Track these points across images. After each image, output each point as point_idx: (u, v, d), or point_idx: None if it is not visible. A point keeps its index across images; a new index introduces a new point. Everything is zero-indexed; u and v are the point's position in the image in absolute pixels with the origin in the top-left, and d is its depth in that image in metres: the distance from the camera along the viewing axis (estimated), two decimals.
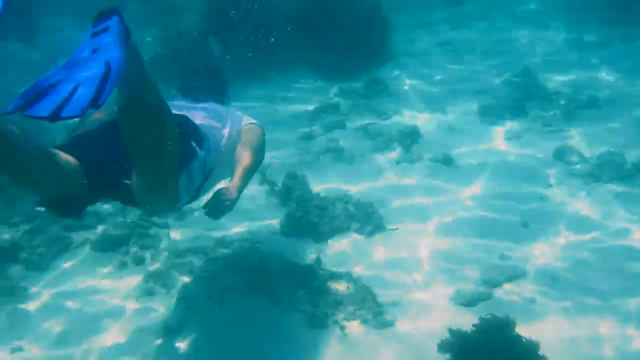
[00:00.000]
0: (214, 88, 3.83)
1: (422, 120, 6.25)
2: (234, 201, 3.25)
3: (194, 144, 2.90)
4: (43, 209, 2.61)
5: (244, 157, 3.40)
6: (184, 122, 2.99)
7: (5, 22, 9.07)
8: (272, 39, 6.45)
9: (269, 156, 5.55)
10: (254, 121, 3.65)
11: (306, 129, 6.22)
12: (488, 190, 5.01)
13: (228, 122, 3.46)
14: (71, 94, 1.87)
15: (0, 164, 2.26)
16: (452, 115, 6.31)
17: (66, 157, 2.61)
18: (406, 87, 6.96)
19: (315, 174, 5.38)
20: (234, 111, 3.70)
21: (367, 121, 6.29)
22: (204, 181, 3.04)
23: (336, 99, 6.76)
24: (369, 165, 5.55)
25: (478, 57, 7.62)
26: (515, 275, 3.97)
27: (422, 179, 5.27)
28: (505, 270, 4.01)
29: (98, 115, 2.95)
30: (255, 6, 6.72)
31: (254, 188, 5.16)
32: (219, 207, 3.23)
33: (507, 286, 3.87)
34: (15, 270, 4.45)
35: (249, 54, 6.54)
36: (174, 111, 2.77)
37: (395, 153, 5.68)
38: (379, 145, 5.82)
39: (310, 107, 6.61)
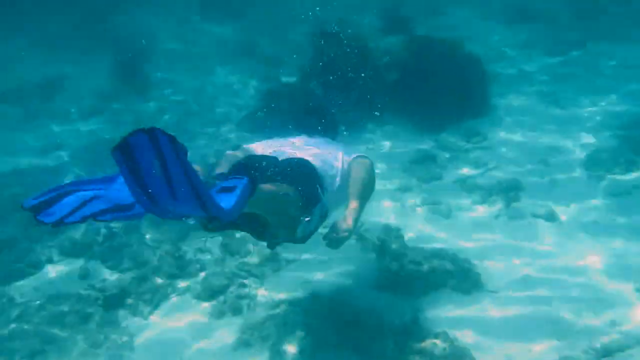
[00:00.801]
0: (325, 125, 4.11)
1: (523, 173, 6.06)
2: (351, 232, 3.36)
3: (318, 190, 3.27)
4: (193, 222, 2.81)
5: (356, 190, 3.53)
6: (306, 167, 3.37)
7: (121, 75, 9.81)
8: (369, 96, 6.59)
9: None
10: (362, 154, 3.81)
11: (403, 181, 6.20)
12: (598, 254, 4.73)
13: (340, 157, 3.68)
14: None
15: None
16: (554, 168, 6.08)
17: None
18: (506, 139, 6.79)
19: (412, 227, 5.35)
20: (344, 146, 3.91)
21: (465, 173, 6.20)
22: (320, 223, 3.35)
23: (434, 151, 6.71)
24: (467, 220, 5.44)
25: (582, 108, 7.33)
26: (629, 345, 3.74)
27: (523, 236, 5.09)
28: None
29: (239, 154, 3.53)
30: (354, 63, 6.88)
31: (349, 241, 5.18)
32: (337, 239, 3.34)
33: None
34: (122, 314, 4.69)
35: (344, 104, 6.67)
36: (294, 150, 3.50)
37: (494, 207, 5.55)
38: (477, 199, 5.71)
39: (407, 159, 6.60)
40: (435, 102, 7.08)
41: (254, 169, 3.12)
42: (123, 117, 8.94)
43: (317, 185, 3.30)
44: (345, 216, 3.39)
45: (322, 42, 7.53)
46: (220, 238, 5.49)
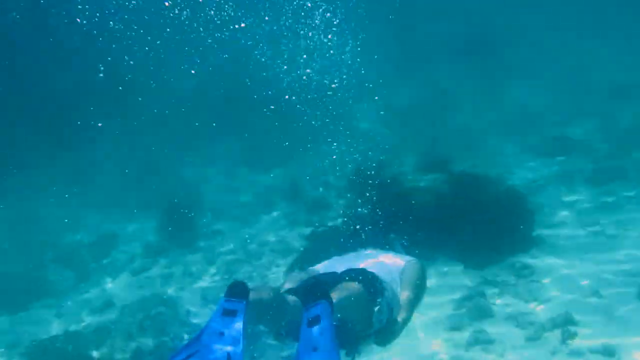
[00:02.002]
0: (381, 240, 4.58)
1: (575, 306, 5.88)
2: (399, 330, 3.71)
3: (379, 284, 3.69)
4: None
5: (408, 292, 3.88)
6: (365, 272, 3.77)
7: (170, 229, 10.16)
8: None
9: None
10: (412, 258, 4.15)
11: (453, 319, 6.08)
12: None
13: (394, 262, 4.09)
14: None
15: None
16: (608, 300, 5.89)
17: (293, 298, 3.52)
18: (554, 272, 6.65)
19: None
20: (399, 254, 4.29)
21: (515, 309, 6.05)
22: (389, 314, 3.69)
23: (482, 287, 6.61)
24: (522, 359, 5.25)
25: (628, 238, 7.17)
26: None
27: None
28: None
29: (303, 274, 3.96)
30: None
31: None
32: (387, 337, 3.72)
33: None
34: None
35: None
36: (352, 263, 3.98)
37: (549, 344, 5.36)
38: (531, 335, 5.53)
39: (455, 296, 6.50)
40: (479, 237, 7.07)
41: (322, 285, 3.40)
42: (172, 270, 9.16)
43: (377, 282, 3.69)
44: (396, 318, 3.74)
45: (362, 184, 7.74)
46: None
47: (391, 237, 4.70)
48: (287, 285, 3.82)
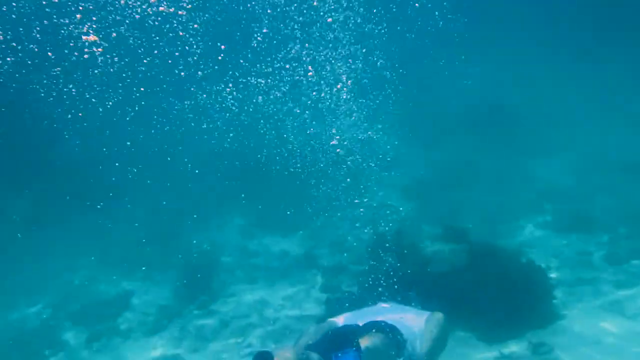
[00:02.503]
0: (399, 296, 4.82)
1: None
2: None
3: (400, 336, 3.93)
4: None
5: (428, 343, 4.07)
6: (386, 324, 3.97)
7: (184, 291, 10.17)
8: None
9: None
10: (435, 312, 4.31)
11: None
12: None
13: (418, 319, 4.25)
14: None
15: None
16: None
17: (316, 356, 3.65)
18: (572, 350, 6.53)
19: None
20: (418, 309, 4.47)
21: None
22: None
23: None
24: None
25: None
26: None
27: None
28: None
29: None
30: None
31: None
32: None
33: None
34: None
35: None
36: (373, 317, 4.11)
37: None
38: None
39: None
40: (495, 310, 6.99)
41: (350, 334, 3.63)
42: (186, 332, 9.10)
43: (399, 336, 3.91)
44: None
45: (380, 250, 7.74)
46: None
47: (410, 294, 4.77)
48: (306, 340, 3.88)
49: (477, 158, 15.08)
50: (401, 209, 13.19)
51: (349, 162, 10.11)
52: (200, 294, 10.34)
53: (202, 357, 8.03)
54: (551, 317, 7.28)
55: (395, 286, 5.36)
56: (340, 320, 4.21)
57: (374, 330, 3.83)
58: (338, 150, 9.16)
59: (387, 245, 7.80)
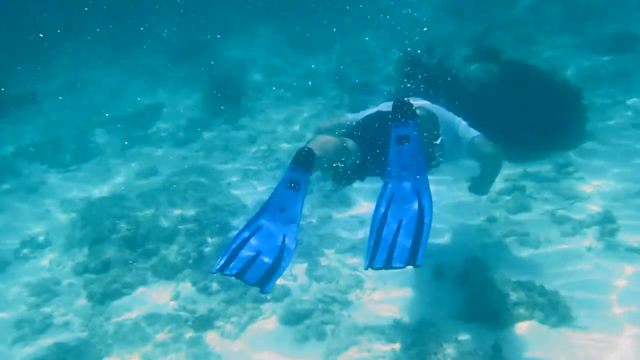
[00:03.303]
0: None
1: (617, 206, 5.78)
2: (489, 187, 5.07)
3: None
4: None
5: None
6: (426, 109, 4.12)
7: (213, 106, 10.24)
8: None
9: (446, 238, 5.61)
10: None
11: (490, 211, 6.10)
12: None
13: (456, 120, 4.59)
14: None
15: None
16: None
17: (352, 142, 3.94)
18: (599, 171, 6.49)
19: (498, 259, 5.25)
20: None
21: (555, 206, 6.00)
22: (444, 151, 4.20)
23: (522, 182, 6.55)
24: (556, 252, 5.27)
25: None
26: None
27: (617, 271, 4.87)
28: None
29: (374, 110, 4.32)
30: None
31: (430, 273, 5.17)
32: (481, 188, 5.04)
33: None
34: (211, 336, 4.86)
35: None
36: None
37: (586, 240, 5.35)
38: (568, 231, 5.52)
39: (495, 189, 6.47)
40: (526, 130, 6.91)
41: (410, 104, 3.61)
42: (214, 144, 9.31)
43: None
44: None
45: (409, 70, 7.54)
46: (306, 264, 5.61)
47: (440, 92, 4.81)
48: (344, 121, 4.27)
49: None
50: (433, 27, 12.69)
51: None
52: (229, 109, 10.43)
53: (231, 168, 8.25)
54: (582, 139, 7.19)
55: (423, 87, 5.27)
56: (379, 107, 4.28)
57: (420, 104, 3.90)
58: None
59: (416, 59, 7.56)
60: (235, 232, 6.11)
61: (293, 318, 4.90)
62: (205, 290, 5.47)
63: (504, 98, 6.97)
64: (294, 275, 5.50)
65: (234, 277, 3.19)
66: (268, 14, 15.71)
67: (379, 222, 3.25)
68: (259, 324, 4.95)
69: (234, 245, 3.30)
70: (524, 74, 7.30)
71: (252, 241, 3.32)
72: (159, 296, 5.53)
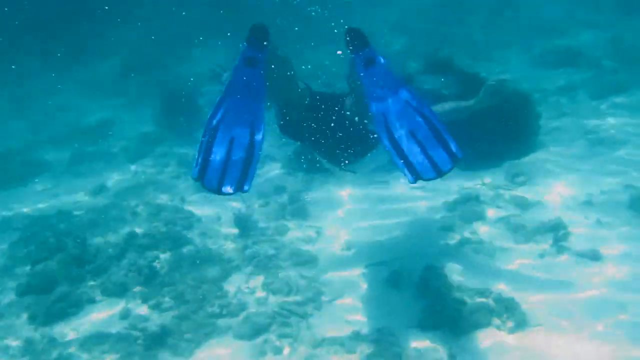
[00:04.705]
0: None
1: (566, 212, 5.91)
2: None
3: None
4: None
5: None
6: None
7: (165, 120, 10.03)
8: None
9: (404, 247, 5.58)
10: None
11: (445, 220, 6.11)
12: None
13: None
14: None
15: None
16: (599, 208, 5.89)
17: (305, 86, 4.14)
18: (550, 179, 6.63)
19: (455, 267, 5.25)
20: None
21: (509, 213, 6.06)
22: None
23: (477, 189, 6.60)
24: (510, 259, 5.31)
25: (626, 149, 7.11)
26: None
27: (569, 275, 4.93)
28: None
29: None
30: None
31: (388, 282, 5.13)
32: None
33: None
34: (163, 355, 4.67)
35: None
36: None
37: (538, 246, 5.40)
38: (521, 238, 5.57)
39: (450, 198, 6.51)
40: (479, 140, 7.00)
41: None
42: (168, 159, 9.13)
43: None
44: None
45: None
46: (262, 277, 5.49)
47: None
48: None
49: None
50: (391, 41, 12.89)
51: None
52: (182, 124, 10.25)
53: (184, 182, 8.09)
54: (532, 147, 7.35)
55: None
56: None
57: None
58: None
59: None
60: (190, 247, 6.06)
61: (249, 333, 4.76)
62: (157, 307, 5.27)
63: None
64: (251, 288, 5.37)
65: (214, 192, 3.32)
66: (227, 28, 15.57)
67: (392, 148, 3.40)
68: (214, 340, 4.78)
69: (205, 143, 3.38)
70: (478, 84, 7.37)
71: (221, 137, 3.39)
72: (108, 315, 5.29)
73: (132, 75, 13.22)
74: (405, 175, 3.36)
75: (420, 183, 3.43)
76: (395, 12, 14.93)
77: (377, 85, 3.44)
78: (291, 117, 4.18)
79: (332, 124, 4.08)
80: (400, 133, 3.38)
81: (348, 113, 3.84)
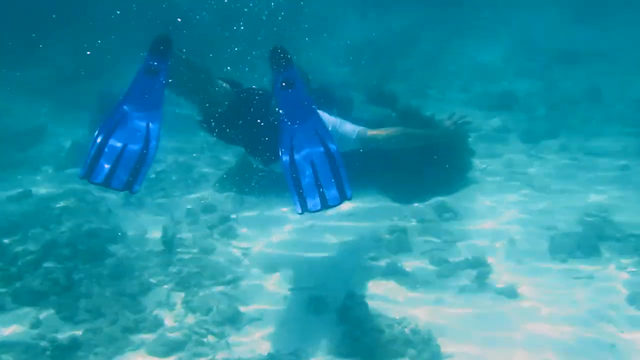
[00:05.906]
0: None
1: (491, 248, 6.08)
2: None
3: None
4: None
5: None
6: None
7: None
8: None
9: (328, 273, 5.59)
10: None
11: (371, 249, 6.17)
12: (554, 333, 4.69)
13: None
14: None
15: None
16: (521, 248, 6.08)
17: (225, 83, 4.12)
18: (476, 217, 6.82)
19: (376, 295, 5.29)
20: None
21: (433, 247, 6.18)
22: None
23: (404, 223, 6.71)
24: (432, 292, 5.39)
25: (552, 193, 7.41)
26: None
27: (486, 310, 5.05)
28: None
29: None
30: None
31: (310, 307, 5.12)
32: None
33: None
34: None
35: None
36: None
37: (459, 282, 5.51)
38: (444, 272, 5.68)
39: (377, 228, 6.59)
40: (410, 173, 7.17)
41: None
42: None
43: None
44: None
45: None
46: (182, 294, 5.40)
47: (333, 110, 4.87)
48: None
49: (417, 30, 15.05)
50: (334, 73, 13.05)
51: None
52: None
53: (112, 193, 7.88)
54: (462, 184, 7.62)
55: None
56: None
57: None
58: None
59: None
60: (111, 259, 5.90)
61: (163, 350, 4.64)
62: (70, 318, 5.08)
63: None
64: (170, 305, 5.26)
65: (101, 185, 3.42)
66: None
67: (289, 169, 3.51)
68: (126, 356, 4.65)
69: (97, 143, 3.45)
70: (417, 120, 7.56)
71: (115, 136, 3.47)
72: (17, 324, 5.07)
73: (69, 82, 12.89)
74: (294, 203, 3.49)
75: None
76: (342, 40, 15.22)
77: (291, 108, 3.54)
78: (210, 113, 4.24)
79: (258, 120, 4.16)
80: (301, 158, 3.51)
81: (277, 109, 3.83)
